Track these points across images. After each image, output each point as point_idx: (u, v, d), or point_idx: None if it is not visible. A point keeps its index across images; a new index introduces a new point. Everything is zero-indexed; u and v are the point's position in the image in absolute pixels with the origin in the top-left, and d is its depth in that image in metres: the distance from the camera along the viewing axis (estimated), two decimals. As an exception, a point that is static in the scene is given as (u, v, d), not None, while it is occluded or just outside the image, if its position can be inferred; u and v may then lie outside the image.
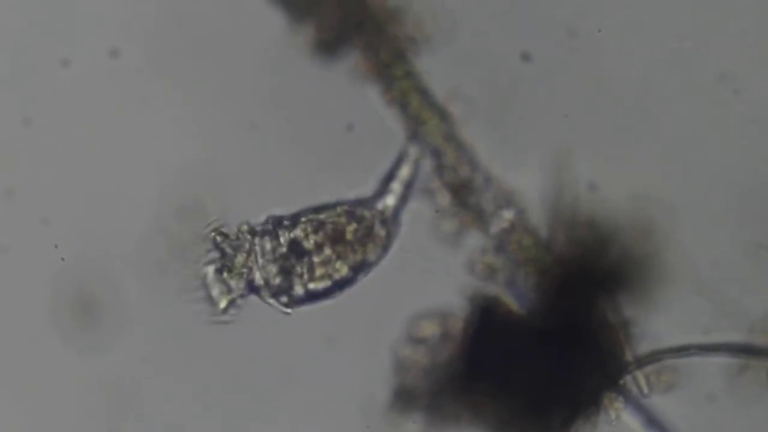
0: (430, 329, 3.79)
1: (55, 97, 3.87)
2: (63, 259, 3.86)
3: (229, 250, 3.76)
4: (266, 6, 3.77)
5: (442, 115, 3.80)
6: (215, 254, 3.77)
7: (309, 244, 3.76)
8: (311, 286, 3.76)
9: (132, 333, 3.86)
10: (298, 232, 3.76)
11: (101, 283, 3.86)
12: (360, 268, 3.78)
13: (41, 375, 3.87)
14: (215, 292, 3.77)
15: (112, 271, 3.85)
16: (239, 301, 3.78)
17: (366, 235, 3.76)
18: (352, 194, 3.82)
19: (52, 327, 3.87)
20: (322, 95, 3.82)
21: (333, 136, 3.83)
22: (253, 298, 3.79)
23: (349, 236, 3.76)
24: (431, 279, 3.80)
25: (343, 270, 3.76)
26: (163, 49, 3.84)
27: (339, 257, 3.76)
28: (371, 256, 3.78)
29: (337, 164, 3.82)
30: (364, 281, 3.81)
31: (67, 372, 3.87)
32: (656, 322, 3.77)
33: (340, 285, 3.78)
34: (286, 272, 3.76)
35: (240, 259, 3.76)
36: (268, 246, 3.77)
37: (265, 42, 3.79)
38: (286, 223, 3.78)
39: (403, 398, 3.78)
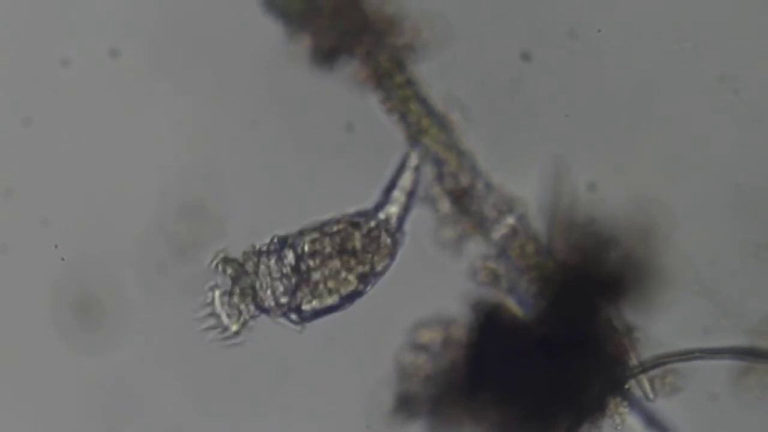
0: (432, 336, 3.78)
1: (55, 97, 3.87)
2: (63, 259, 3.86)
3: (235, 274, 3.75)
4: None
5: (442, 122, 3.79)
6: (222, 280, 3.76)
7: (315, 260, 3.75)
8: (319, 302, 3.76)
9: (132, 333, 3.86)
10: (303, 249, 3.75)
11: (101, 283, 3.86)
12: (368, 279, 3.77)
13: (41, 375, 3.87)
14: (225, 316, 3.76)
15: (112, 271, 3.85)
16: (251, 323, 3.77)
17: (372, 244, 3.75)
18: (353, 195, 3.82)
19: (52, 327, 3.86)
20: (322, 95, 3.82)
21: (333, 135, 3.83)
22: (264, 318, 3.79)
23: (355, 246, 3.75)
24: (433, 286, 3.80)
25: (351, 283, 3.75)
26: (163, 49, 3.84)
27: (346, 269, 3.75)
28: (378, 267, 3.77)
29: (338, 164, 3.82)
30: (370, 290, 3.80)
31: (67, 372, 3.87)
32: (656, 324, 3.77)
33: (349, 297, 3.77)
34: (294, 290, 3.75)
35: (247, 281, 3.75)
36: (273, 265, 3.75)
37: (265, 41, 3.79)
38: (290, 241, 3.77)
39: (406, 405, 3.77)
